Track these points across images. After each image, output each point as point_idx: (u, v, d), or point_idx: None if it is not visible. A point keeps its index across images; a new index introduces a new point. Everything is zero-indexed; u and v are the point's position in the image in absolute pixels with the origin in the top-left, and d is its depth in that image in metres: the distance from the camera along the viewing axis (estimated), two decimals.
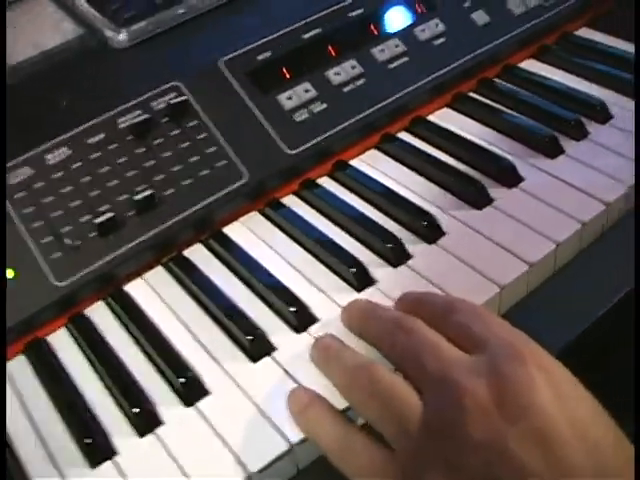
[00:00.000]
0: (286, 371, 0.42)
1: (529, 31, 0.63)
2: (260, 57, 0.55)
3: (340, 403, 0.39)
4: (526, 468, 0.30)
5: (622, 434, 0.32)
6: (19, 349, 0.46)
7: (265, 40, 0.56)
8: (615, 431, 0.32)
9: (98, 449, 0.40)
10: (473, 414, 0.32)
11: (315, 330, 0.44)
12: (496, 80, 0.62)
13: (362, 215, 0.51)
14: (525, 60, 0.64)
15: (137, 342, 0.46)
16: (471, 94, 0.61)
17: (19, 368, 0.45)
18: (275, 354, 0.43)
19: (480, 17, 0.61)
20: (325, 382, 0.40)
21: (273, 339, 0.44)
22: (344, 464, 0.37)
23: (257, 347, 0.43)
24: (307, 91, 0.55)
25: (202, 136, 0.52)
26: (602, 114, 0.56)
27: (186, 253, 0.51)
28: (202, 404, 0.41)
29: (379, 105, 0.56)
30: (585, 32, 0.67)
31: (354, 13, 0.59)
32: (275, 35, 0.56)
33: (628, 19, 0.64)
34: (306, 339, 0.44)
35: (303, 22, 0.57)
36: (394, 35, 0.59)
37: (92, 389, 0.44)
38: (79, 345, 0.46)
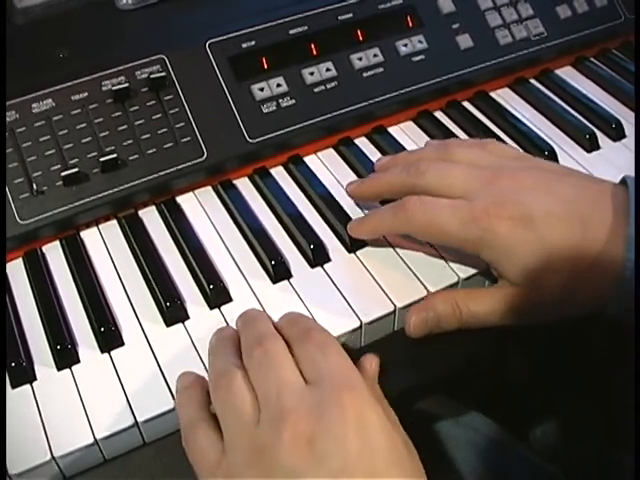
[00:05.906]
0: (192, 341, 0.49)
1: (509, 62, 0.65)
2: (244, 45, 0.59)
3: None
4: None
5: None
6: None
7: (253, 29, 0.60)
8: None
9: (20, 371, 0.47)
10: (286, 440, 0.36)
11: (227, 309, 0.50)
12: (465, 104, 0.66)
13: (298, 212, 0.56)
14: (500, 89, 0.67)
15: (76, 285, 0.52)
16: (436, 113, 0.65)
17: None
18: (187, 323, 0.50)
19: (464, 41, 0.64)
20: None
21: (189, 309, 0.50)
22: (185, 444, 0.41)
23: (172, 313, 0.50)
24: (279, 85, 0.59)
25: (174, 111, 0.57)
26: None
27: (140, 213, 0.57)
28: (115, 353, 0.48)
29: (344, 110, 0.60)
30: (567, 72, 0.69)
31: (343, 17, 0.62)
32: (264, 25, 0.60)
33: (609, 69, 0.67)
34: (217, 316, 0.50)
35: (293, 17, 0.61)
36: (376, 45, 0.62)
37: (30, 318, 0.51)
38: (28, 277, 0.53)
